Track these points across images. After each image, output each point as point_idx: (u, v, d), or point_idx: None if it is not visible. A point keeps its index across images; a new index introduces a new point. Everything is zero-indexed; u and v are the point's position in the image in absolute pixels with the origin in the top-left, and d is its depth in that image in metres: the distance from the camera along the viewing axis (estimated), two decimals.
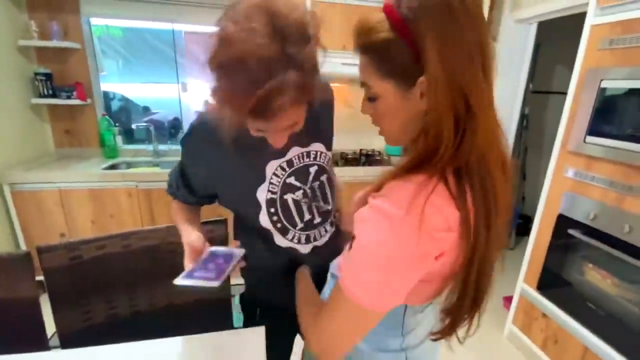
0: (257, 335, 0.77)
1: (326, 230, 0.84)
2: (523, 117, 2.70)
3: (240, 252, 0.69)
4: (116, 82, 3.39)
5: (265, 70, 0.49)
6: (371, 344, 0.59)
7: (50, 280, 0.74)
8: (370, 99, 0.50)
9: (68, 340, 0.78)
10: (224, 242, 0.93)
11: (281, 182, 0.76)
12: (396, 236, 0.42)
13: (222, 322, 0.90)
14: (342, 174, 2.19)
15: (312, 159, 0.80)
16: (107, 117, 2.21)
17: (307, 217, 0.80)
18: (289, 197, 0.77)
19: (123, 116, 3.23)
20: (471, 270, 0.46)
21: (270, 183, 0.74)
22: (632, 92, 1.20)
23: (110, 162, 2.17)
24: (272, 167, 0.74)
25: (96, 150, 2.26)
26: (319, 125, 0.80)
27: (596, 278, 1.39)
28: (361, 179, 2.24)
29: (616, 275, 1.31)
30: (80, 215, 1.91)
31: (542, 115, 3.10)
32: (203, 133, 0.70)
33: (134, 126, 2.39)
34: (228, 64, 0.50)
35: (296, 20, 0.51)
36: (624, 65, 1.22)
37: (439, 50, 0.41)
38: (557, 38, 2.76)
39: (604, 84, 1.28)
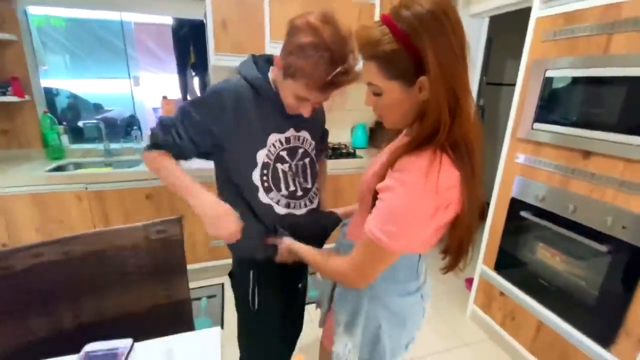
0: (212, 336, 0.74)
1: (306, 205, 0.99)
2: (478, 108, 2.82)
3: (127, 343, 0.66)
4: (61, 78, 3.12)
5: (340, 56, 0.73)
6: (399, 292, 0.75)
7: None
8: (376, 94, 0.64)
9: (10, 358, 0.71)
10: (179, 240, 0.88)
11: (276, 153, 0.92)
12: (419, 200, 0.56)
13: (181, 327, 0.86)
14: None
15: (300, 142, 0.98)
16: (49, 114, 2.02)
17: (291, 187, 0.96)
18: (279, 166, 0.93)
19: (72, 115, 2.98)
20: (467, 214, 0.60)
21: (269, 150, 0.91)
22: (575, 80, 1.28)
23: (56, 163, 2.00)
24: (272, 138, 0.91)
25: (39, 152, 2.07)
26: (310, 120, 0.95)
27: (546, 256, 1.49)
28: (330, 172, 2.23)
29: (564, 253, 1.42)
30: (23, 222, 1.74)
31: (496, 106, 3.27)
32: (233, 96, 0.84)
33: (81, 123, 2.21)
34: (315, 46, 0.72)
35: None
36: (567, 55, 1.31)
37: (436, 56, 0.54)
38: (507, 31, 2.91)
39: (548, 74, 1.37)
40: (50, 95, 2.44)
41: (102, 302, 0.79)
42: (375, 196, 0.62)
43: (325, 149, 1.22)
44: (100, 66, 3.16)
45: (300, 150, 0.98)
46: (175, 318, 0.91)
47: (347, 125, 2.79)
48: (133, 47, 2.28)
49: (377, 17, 2.22)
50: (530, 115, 1.45)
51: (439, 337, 1.82)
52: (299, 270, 1.06)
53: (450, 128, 0.57)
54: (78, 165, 2.07)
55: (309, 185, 1.01)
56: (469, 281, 2.17)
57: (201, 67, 2.41)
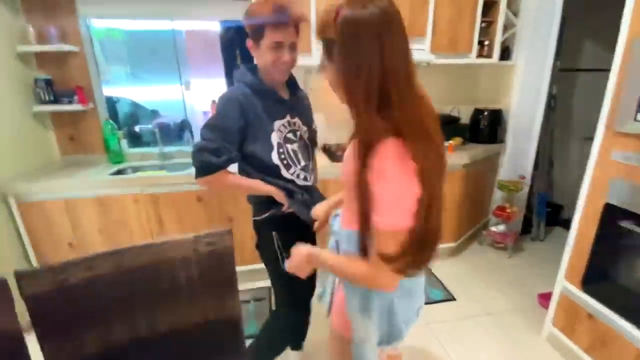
0: None
1: (312, 177, 1.24)
2: (551, 97, 2.48)
3: None
4: (121, 86, 3.34)
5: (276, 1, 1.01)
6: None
7: (34, 310, 0.65)
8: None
9: None
10: (230, 253, 0.82)
11: (284, 135, 1.13)
12: (400, 178, 0.60)
13: (232, 344, 0.80)
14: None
15: (296, 127, 1.19)
16: (110, 121, 2.13)
17: (302, 162, 1.19)
18: (289, 146, 1.15)
19: (132, 121, 3.17)
20: (425, 199, 0.63)
21: (278, 132, 1.12)
22: None
23: (117, 167, 2.10)
24: (278, 123, 1.12)
25: (101, 156, 2.19)
26: (300, 109, 1.23)
27: None
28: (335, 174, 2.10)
29: None
30: (88, 224, 1.84)
31: (570, 95, 2.87)
32: (242, 97, 1.07)
33: (137, 128, 2.31)
34: (257, 3, 1.03)
35: None
36: None
37: (341, 44, 0.62)
38: (583, 10, 2.53)
39: None
40: (111, 102, 2.60)
41: (153, 317, 0.75)
42: (360, 187, 0.64)
43: (315, 140, 1.38)
44: (156, 74, 3.33)
45: (298, 133, 1.19)
46: (225, 335, 0.86)
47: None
48: (184, 54, 2.33)
49: (431, 1, 2.03)
50: (632, 104, 1.20)
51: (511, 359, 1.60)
52: (311, 236, 1.26)
53: (387, 115, 0.61)
54: (136, 169, 2.16)
55: (308, 163, 1.22)
56: (544, 297, 1.90)
57: None
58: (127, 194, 1.82)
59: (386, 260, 0.65)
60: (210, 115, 1.16)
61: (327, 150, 2.37)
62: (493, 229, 2.57)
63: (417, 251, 0.66)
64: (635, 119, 1.19)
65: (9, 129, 1.79)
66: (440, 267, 2.35)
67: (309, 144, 1.25)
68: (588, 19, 2.62)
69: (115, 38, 2.87)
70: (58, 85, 2.01)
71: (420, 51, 2.10)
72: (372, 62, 0.59)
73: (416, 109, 0.63)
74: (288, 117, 1.15)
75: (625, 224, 1.26)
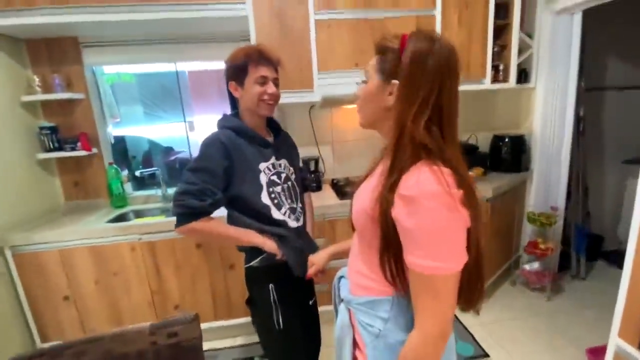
0: None
1: (298, 220, 1.18)
2: (578, 120, 2.28)
3: None
4: (136, 125, 3.41)
5: (253, 45, 1.13)
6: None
7: None
8: (363, 82, 0.73)
9: None
10: (197, 347, 0.67)
11: (269, 177, 1.11)
12: (445, 208, 0.55)
13: None
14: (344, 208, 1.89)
15: (282, 168, 1.17)
16: (113, 165, 2.10)
17: (291, 205, 1.16)
18: (274, 188, 1.12)
19: (148, 158, 3.19)
20: (476, 229, 0.60)
21: (264, 174, 1.09)
22: None
23: (119, 212, 2.04)
24: (263, 166, 1.10)
25: (105, 201, 2.15)
26: (287, 150, 1.23)
27: None
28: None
29: None
30: (83, 275, 1.75)
31: (599, 116, 2.64)
32: (227, 140, 1.04)
33: (137, 173, 2.27)
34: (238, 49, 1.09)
35: None
36: None
37: (412, 67, 0.63)
38: (604, 25, 2.37)
39: None
40: (123, 143, 2.61)
41: None
42: (388, 226, 0.61)
43: (308, 181, 1.40)
44: (166, 113, 3.40)
45: (283, 174, 1.16)
46: None
47: None
48: (188, 93, 2.33)
49: (438, 29, 1.94)
50: None
51: None
52: (307, 287, 1.24)
53: (438, 145, 0.60)
54: (138, 213, 2.09)
55: (296, 205, 1.18)
56: (595, 353, 1.61)
57: None
58: (123, 241, 1.73)
59: (434, 326, 0.59)
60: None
61: (335, 185, 2.23)
62: (526, 267, 2.29)
63: (467, 290, 0.63)
64: None
65: (13, 178, 1.78)
66: (468, 314, 2.08)
67: (296, 185, 1.21)
68: (610, 33, 2.45)
69: (126, 81, 2.94)
70: (64, 131, 2.01)
71: None
72: (431, 94, 0.61)
73: (456, 147, 0.64)
74: (273, 159, 1.13)
75: None
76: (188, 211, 0.97)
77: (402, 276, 0.64)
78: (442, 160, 0.59)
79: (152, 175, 2.32)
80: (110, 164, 2.12)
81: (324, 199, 1.95)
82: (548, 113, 2.25)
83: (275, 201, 1.10)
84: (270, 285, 1.11)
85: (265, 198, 1.08)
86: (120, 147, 2.64)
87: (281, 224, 1.10)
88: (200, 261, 1.82)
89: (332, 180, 2.32)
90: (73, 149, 1.97)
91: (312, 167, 2.21)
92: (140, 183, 2.39)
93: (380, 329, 0.68)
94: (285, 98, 1.85)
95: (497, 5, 1.96)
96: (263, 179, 1.08)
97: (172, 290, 1.83)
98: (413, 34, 0.64)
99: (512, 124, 2.52)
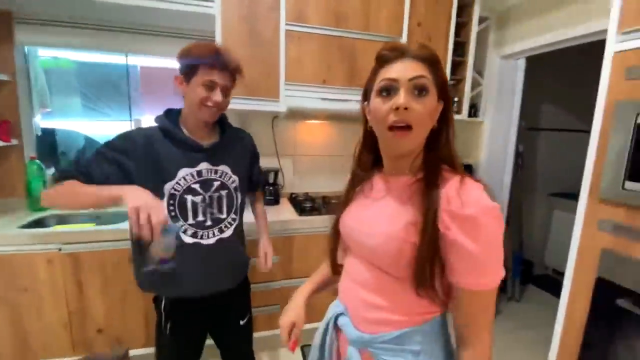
0: None
1: (214, 234, 1.09)
2: (518, 155, 2.50)
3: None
4: (71, 119, 3.01)
5: (208, 43, 1.05)
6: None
7: None
8: (422, 90, 0.59)
9: None
10: None
11: (187, 185, 1.03)
12: (500, 222, 0.55)
13: None
14: (326, 223, 1.84)
15: (217, 176, 1.09)
16: (36, 160, 1.80)
17: (200, 217, 1.06)
18: (189, 197, 1.04)
19: (84, 157, 2.81)
20: None
21: (177, 183, 1.02)
22: None
23: (37, 216, 1.73)
24: (183, 172, 1.03)
25: (21, 201, 1.82)
26: (231, 155, 1.13)
27: None
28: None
29: None
30: None
31: (533, 153, 2.95)
32: (143, 137, 1.00)
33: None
34: (192, 45, 1.02)
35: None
36: None
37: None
38: (539, 73, 2.68)
39: None
40: (51, 137, 2.28)
41: None
42: (433, 249, 0.56)
43: (259, 184, 1.35)
44: (110, 109, 3.06)
45: (216, 183, 1.08)
46: None
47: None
48: (138, 90, 2.12)
49: None
50: (619, 170, 1.12)
51: None
52: (241, 302, 1.23)
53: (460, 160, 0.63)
54: (61, 219, 1.80)
55: (223, 216, 1.10)
56: None
57: None
58: (39, 252, 1.46)
59: (488, 339, 0.59)
60: None
61: (293, 200, 2.15)
62: None
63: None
64: (623, 187, 1.11)
65: None
66: None
67: (235, 195, 1.13)
68: (543, 81, 2.79)
69: (64, 67, 2.61)
70: None
71: None
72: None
73: None
74: (204, 165, 1.05)
75: (622, 303, 1.12)
76: (60, 173, 0.94)
77: (442, 296, 0.61)
78: (463, 174, 0.59)
79: None
80: (32, 158, 1.81)
81: (282, 214, 1.86)
82: (493, 146, 2.44)
83: (172, 214, 1.02)
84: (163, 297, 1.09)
85: (163, 207, 1.00)
86: (49, 141, 2.30)
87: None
88: (132, 277, 1.59)
89: (291, 194, 2.24)
90: None
91: (271, 179, 2.12)
92: None
93: None
94: (249, 105, 1.76)
95: (455, 43, 2.11)
96: (168, 188, 1.01)
97: (96, 311, 1.57)
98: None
99: (465, 154, 2.69)
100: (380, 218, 0.65)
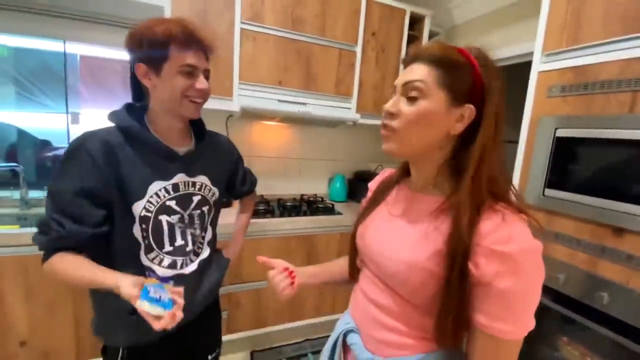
0: None
1: (196, 257, 0.91)
2: None
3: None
4: (3, 110, 2.70)
5: (177, 19, 0.78)
6: None
7: None
8: (412, 98, 0.56)
9: None
10: None
11: (160, 203, 0.81)
12: (541, 267, 0.50)
13: None
14: (281, 226, 1.83)
15: (196, 189, 0.89)
16: None
17: (178, 241, 0.86)
18: (163, 218, 0.82)
19: (11, 152, 2.52)
20: None
21: (148, 202, 0.79)
22: (595, 142, 1.09)
23: None
24: (155, 187, 0.80)
25: None
26: (209, 163, 0.93)
27: (574, 355, 1.19)
28: (303, 231, 1.90)
29: (597, 352, 1.12)
30: None
31: None
32: (99, 146, 0.74)
33: None
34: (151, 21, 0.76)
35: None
36: (582, 113, 1.13)
37: (495, 97, 0.56)
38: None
39: (560, 133, 1.18)
40: None
41: None
42: (462, 284, 0.51)
43: (248, 192, 1.20)
44: (47, 99, 2.79)
45: (196, 198, 0.89)
46: None
47: (323, 176, 2.53)
48: (76, 81, 1.96)
49: (357, 65, 2.07)
50: (539, 179, 1.24)
51: None
52: (207, 337, 1.02)
53: (507, 186, 0.56)
54: None
55: (204, 234, 0.94)
56: None
57: None
58: None
59: None
60: None
61: None
62: None
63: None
64: (543, 194, 1.23)
65: None
66: None
67: (212, 211, 0.95)
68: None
69: None
70: None
71: (347, 110, 2.09)
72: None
73: None
74: (180, 177, 0.85)
75: (541, 299, 1.23)
76: (40, 248, 0.75)
77: (460, 333, 0.55)
78: (509, 205, 0.52)
79: (13, 173, 1.84)
80: None
81: (233, 216, 1.82)
82: None
83: (146, 242, 0.81)
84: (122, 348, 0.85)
85: (137, 232, 0.80)
86: None
87: (145, 270, 0.82)
88: (63, 285, 1.46)
89: None
90: None
91: None
92: None
93: None
94: None
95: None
96: (137, 209, 0.78)
97: (18, 323, 1.41)
98: (475, 49, 0.56)
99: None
100: (403, 242, 0.59)
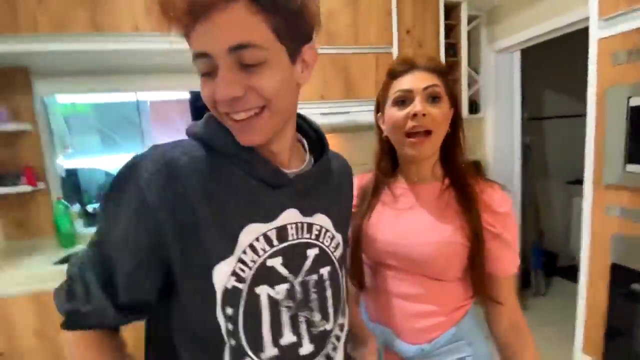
0: None
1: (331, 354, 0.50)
2: (525, 146, 2.49)
3: None
4: (91, 157, 3.21)
5: None
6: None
7: None
8: (435, 97, 0.65)
9: None
10: None
11: (258, 263, 0.45)
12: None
13: None
14: None
15: (313, 237, 0.50)
16: (62, 200, 1.93)
17: (287, 337, 0.46)
18: (263, 291, 0.45)
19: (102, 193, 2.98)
20: None
21: (241, 260, 0.43)
22: None
23: (68, 251, 1.85)
24: (251, 233, 0.44)
25: (52, 240, 1.95)
26: (330, 196, 0.55)
27: None
28: None
29: None
30: (22, 327, 1.53)
31: (541, 142, 2.92)
32: (190, 156, 0.43)
33: (89, 208, 2.11)
34: None
35: None
36: None
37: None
38: (541, 62, 2.67)
39: (633, 102, 1.07)
40: (73, 176, 2.43)
41: None
42: (480, 245, 0.64)
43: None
44: (124, 142, 3.24)
45: (313, 252, 0.50)
46: None
47: None
48: (149, 124, 2.25)
49: None
50: (617, 154, 1.13)
51: None
52: None
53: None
54: None
55: (329, 325, 0.51)
56: None
57: None
58: None
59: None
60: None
61: None
62: None
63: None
64: (625, 170, 1.11)
65: None
66: None
67: (337, 277, 0.54)
68: (546, 69, 2.77)
69: (81, 112, 2.79)
70: (9, 165, 1.84)
71: None
72: None
73: None
74: (289, 217, 0.48)
75: (637, 287, 1.11)
76: (70, 315, 0.46)
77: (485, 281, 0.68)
78: (481, 177, 0.71)
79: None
80: (58, 199, 1.95)
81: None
82: (498, 141, 2.44)
83: (233, 341, 0.44)
84: None
85: (221, 319, 0.44)
86: (72, 180, 2.46)
87: None
88: None
89: None
90: (15, 184, 1.79)
91: None
92: (93, 219, 2.21)
93: (470, 354, 0.67)
94: None
95: (447, 44, 2.15)
96: (221, 275, 0.43)
97: None
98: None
99: (469, 151, 2.70)
100: (425, 227, 0.66)
